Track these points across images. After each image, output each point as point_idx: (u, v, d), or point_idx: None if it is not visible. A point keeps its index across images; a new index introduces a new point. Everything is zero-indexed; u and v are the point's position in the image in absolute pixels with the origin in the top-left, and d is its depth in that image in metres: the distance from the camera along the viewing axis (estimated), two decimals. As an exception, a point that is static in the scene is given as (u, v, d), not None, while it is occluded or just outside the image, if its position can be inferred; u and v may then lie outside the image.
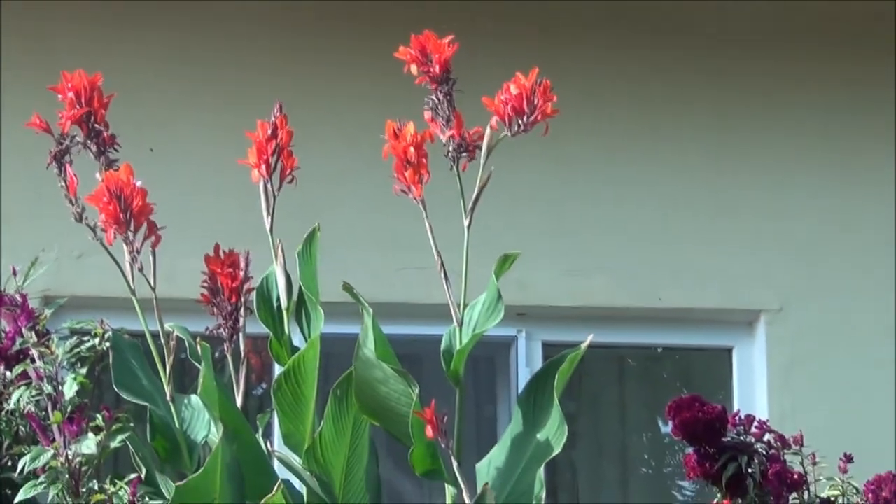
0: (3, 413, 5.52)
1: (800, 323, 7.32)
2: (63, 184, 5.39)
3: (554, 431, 5.41)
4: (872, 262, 7.45)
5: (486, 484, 5.26)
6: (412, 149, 5.32)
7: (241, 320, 5.65)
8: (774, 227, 7.41)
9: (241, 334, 5.65)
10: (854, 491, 5.43)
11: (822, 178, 7.59)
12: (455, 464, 5.20)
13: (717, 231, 7.37)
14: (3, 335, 5.58)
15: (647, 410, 7.58)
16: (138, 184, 5.27)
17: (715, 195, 7.44)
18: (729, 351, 7.41)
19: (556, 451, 5.35)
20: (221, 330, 5.62)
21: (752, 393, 7.11)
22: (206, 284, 5.62)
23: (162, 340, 5.49)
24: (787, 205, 7.52)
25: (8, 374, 5.53)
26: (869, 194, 7.57)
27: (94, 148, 5.44)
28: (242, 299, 5.65)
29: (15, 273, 5.78)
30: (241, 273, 5.63)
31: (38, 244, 6.29)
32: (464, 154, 5.34)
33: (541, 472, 5.36)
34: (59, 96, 5.42)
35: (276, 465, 5.49)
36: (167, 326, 5.50)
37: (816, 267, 7.41)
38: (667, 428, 6.45)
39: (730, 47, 7.62)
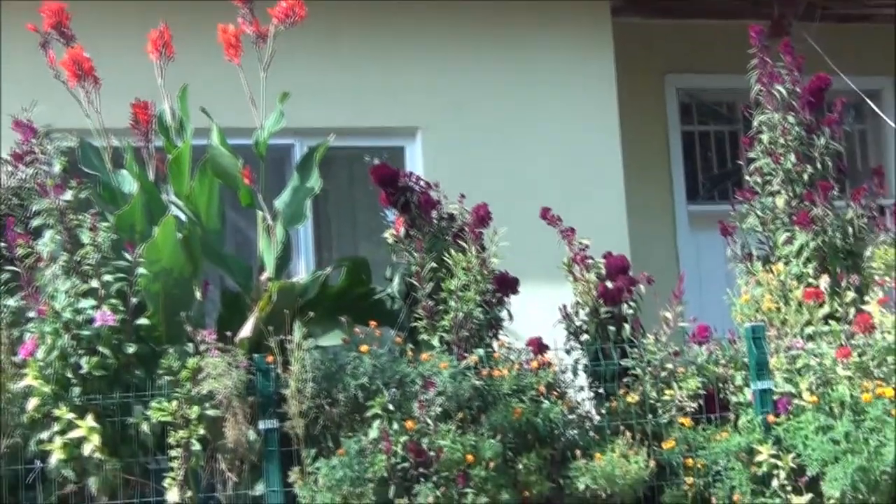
0: (24, 187, 5.73)
1: (441, 132, 7.20)
2: (46, 58, 5.68)
3: (314, 181, 5.83)
4: (485, 95, 7.30)
5: (278, 208, 5.73)
6: (233, 37, 5.70)
7: (151, 136, 5.89)
8: (429, 79, 7.26)
9: (151, 144, 5.89)
10: (465, 211, 5.85)
11: (452, 42, 7.33)
12: (261, 197, 5.64)
13: (400, 81, 7.16)
14: (20, 143, 5.81)
15: (364, 187, 7.15)
16: (87, 55, 5.64)
17: (394, 62, 7.19)
18: (402, 148, 7.27)
19: (316, 191, 5.82)
20: (141, 142, 5.86)
21: (416, 168, 7.00)
22: (132, 118, 5.87)
23: (106, 144, 5.78)
24: (435, 60, 7.28)
25: (23, 166, 5.77)
26: (485, 54, 7.35)
27: (63, 40, 5.74)
28: (151, 125, 5.89)
29: (24, 110, 5.93)
30: (150, 111, 5.88)
31: (36, 96, 5.92)
32: (260, 39, 5.72)
33: (307, 202, 5.76)
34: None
35: (172, 207, 5.74)
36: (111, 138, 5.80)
37: (450, 100, 7.25)
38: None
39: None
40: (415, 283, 5.60)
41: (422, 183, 5.87)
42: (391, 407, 5.06)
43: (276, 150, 6.02)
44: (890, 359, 5.47)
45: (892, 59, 8.70)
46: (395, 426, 5.01)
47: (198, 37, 6.19)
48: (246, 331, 5.35)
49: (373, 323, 5.36)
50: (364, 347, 5.17)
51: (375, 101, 7.17)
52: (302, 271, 6.69)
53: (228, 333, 5.21)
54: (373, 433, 4.99)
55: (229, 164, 5.65)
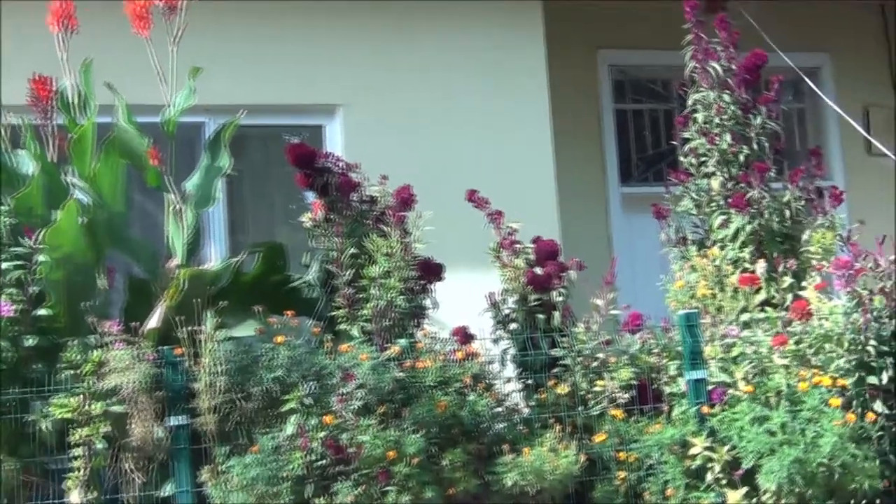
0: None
1: (362, 110, 7.10)
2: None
3: (224, 160, 5.72)
4: (408, 71, 7.22)
5: (187, 190, 5.59)
6: (141, 9, 5.54)
7: (52, 114, 5.71)
8: (349, 55, 7.17)
9: (51, 122, 5.70)
10: (388, 193, 5.70)
11: (374, 16, 7.21)
12: (170, 178, 5.49)
13: (319, 57, 7.09)
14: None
15: (281, 168, 6.81)
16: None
17: (313, 37, 7.10)
18: (321, 127, 7.15)
19: (226, 170, 5.69)
20: (41, 120, 5.66)
21: (335, 148, 6.84)
22: (31, 94, 5.68)
23: (3, 121, 5.60)
24: (356, 36, 7.16)
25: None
26: (409, 29, 7.26)
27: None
28: (52, 102, 5.71)
29: None
30: (51, 87, 5.70)
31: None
32: (170, 11, 5.58)
33: (217, 182, 5.64)
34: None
35: (74, 189, 5.56)
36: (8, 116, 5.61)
37: (372, 77, 7.18)
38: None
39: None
40: (334, 269, 5.51)
41: (341, 164, 5.74)
42: (308, 401, 4.95)
43: (186, 128, 5.85)
44: (827, 346, 5.46)
45: (831, 36, 8.76)
46: (313, 421, 4.91)
47: (103, 8, 5.99)
48: (153, 321, 5.24)
49: (289, 312, 5.25)
50: (280, 338, 5.05)
51: (293, 78, 7.04)
52: (214, 257, 6.55)
53: (135, 324, 5.09)
54: (289, 429, 4.89)
55: (136, 144, 5.49)
